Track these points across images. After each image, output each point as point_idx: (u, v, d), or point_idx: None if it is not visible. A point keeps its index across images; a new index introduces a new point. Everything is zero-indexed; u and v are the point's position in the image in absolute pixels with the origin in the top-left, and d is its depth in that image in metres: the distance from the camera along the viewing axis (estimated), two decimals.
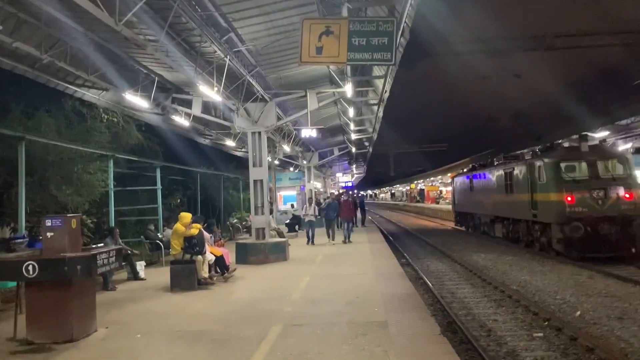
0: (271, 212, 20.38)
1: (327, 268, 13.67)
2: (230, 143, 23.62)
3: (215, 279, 11.82)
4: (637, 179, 16.56)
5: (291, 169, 37.86)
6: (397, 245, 21.56)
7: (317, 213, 19.26)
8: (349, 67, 12.13)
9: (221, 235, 19.68)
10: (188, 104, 15.73)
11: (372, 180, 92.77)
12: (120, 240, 13.78)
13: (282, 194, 34.04)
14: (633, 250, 14.81)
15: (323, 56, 7.93)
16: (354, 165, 47.85)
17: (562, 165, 16.45)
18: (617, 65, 24.65)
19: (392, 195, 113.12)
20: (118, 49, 11.52)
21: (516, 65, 25.08)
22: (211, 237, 13.04)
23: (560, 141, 20.16)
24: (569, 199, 15.60)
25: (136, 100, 14.06)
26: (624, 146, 27.19)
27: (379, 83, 15.05)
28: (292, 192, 34.60)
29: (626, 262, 14.56)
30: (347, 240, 18.82)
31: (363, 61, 7.98)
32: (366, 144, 33.09)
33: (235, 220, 26.57)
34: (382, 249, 17.50)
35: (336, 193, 35.54)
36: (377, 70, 14.17)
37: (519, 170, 19.31)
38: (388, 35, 7.79)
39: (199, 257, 11.18)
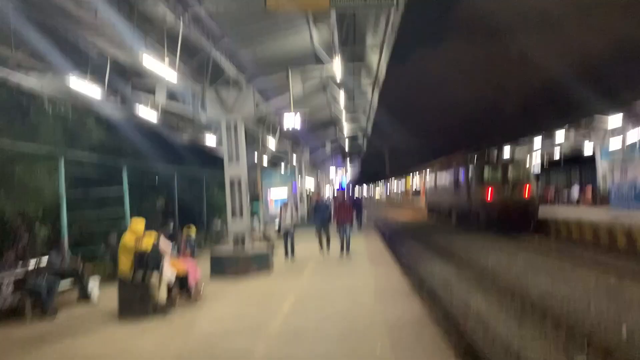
0: (252, 215, 18.09)
1: (317, 281, 11.40)
2: (211, 140, 21.31)
3: (177, 301, 9.55)
4: (533, 179, 25.06)
5: (282, 167, 35.56)
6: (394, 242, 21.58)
7: (297, 219, 15.66)
8: (336, 36, 9.81)
9: (195, 244, 17.37)
10: (153, 92, 13.42)
11: (367, 176, 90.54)
12: (67, 253, 11.51)
13: (272, 197, 31.73)
14: (531, 226, 22.08)
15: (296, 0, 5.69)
16: (348, 161, 45.59)
17: (485, 170, 24.36)
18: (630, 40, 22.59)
19: (388, 194, 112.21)
20: (50, 18, 9.16)
21: (522, 43, 22.96)
22: (174, 247, 10.69)
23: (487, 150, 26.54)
24: (489, 192, 23.30)
25: (84, 86, 11.68)
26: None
27: (374, 60, 12.74)
28: (284, 190, 32.32)
29: (524, 233, 21.55)
30: (344, 252, 14.65)
31: (353, 4, 5.70)
32: (360, 137, 30.82)
33: (219, 224, 24.19)
34: (380, 253, 15.28)
35: (329, 192, 33.16)
36: (372, 39, 11.86)
37: (461, 173, 26.90)
38: None
39: (154, 276, 8.90)
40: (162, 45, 8.65)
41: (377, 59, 11.61)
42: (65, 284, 10.81)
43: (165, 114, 16.60)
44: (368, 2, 5.63)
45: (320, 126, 25.28)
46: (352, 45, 12.40)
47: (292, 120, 12.34)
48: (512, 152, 26.80)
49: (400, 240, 25.01)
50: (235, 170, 13.18)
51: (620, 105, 25.08)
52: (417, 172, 56.09)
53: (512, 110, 26.85)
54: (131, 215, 19.75)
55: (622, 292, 10.73)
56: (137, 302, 8.84)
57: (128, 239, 9.07)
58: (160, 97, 13.28)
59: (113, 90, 13.25)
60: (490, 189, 23.22)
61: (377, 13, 9.97)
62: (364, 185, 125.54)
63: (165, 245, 9.82)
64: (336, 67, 11.50)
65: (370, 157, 47.08)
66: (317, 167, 43.60)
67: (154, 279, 8.90)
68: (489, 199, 23.09)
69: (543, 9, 21.52)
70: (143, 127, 17.69)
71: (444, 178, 31.25)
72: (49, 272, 10.42)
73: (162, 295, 8.99)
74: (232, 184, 13.21)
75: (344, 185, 50.93)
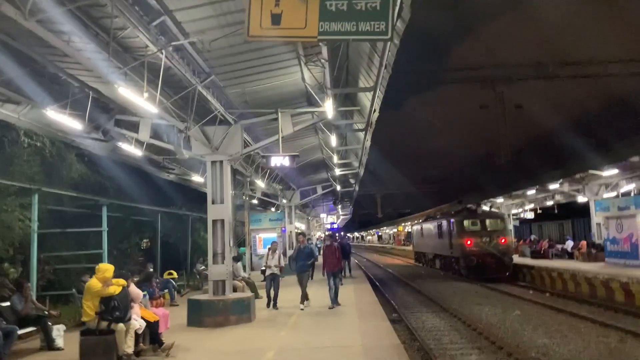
0: (238, 259, 17.25)
1: (300, 335, 10.53)
2: (198, 179, 20.66)
3: (145, 353, 8.71)
4: (509, 231, 28.91)
5: (272, 209, 34.89)
6: (384, 291, 21.32)
7: (282, 263, 14.18)
8: (327, 75, 9.37)
9: (175, 289, 16.53)
10: (137, 128, 12.89)
11: (358, 221, 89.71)
12: (31, 297, 10.66)
13: (261, 236, 30.86)
14: (507, 273, 24.80)
15: (282, 27, 5.21)
16: (340, 206, 44.94)
17: (465, 222, 26.82)
18: (624, 96, 22.58)
19: (379, 237, 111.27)
20: (30, 49, 8.68)
21: (516, 95, 22.83)
22: (145, 294, 9.89)
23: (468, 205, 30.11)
24: (468, 242, 25.61)
25: (64, 119, 11.12)
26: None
27: (367, 100, 12.33)
28: (273, 235, 31.47)
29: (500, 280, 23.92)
30: (333, 304, 13.47)
31: (343, 35, 5.22)
32: (352, 181, 30.29)
33: (202, 267, 23.25)
34: (370, 305, 14.43)
35: (321, 234, 32.34)
36: (365, 81, 11.48)
37: (445, 223, 29.54)
38: None
39: (120, 325, 8.10)
40: (143, 78, 8.12)
41: (370, 102, 11.18)
42: (26, 331, 9.98)
43: (150, 151, 16.04)
44: (360, 31, 5.15)
45: (311, 168, 24.81)
46: (344, 86, 12.02)
47: (280, 161, 11.77)
48: (491, 206, 31.70)
49: (390, 288, 24.24)
50: (218, 212, 12.53)
51: (614, 160, 24.86)
52: (409, 219, 56.14)
53: (506, 161, 26.55)
54: (110, 256, 18.93)
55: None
56: (100, 353, 8.02)
57: (94, 283, 8.30)
58: (144, 134, 12.73)
59: (95, 125, 12.71)
60: (469, 239, 25.90)
61: (370, 56, 9.62)
62: (355, 231, 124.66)
63: (136, 291, 9.06)
64: (328, 108, 11.06)
65: (361, 202, 46.55)
66: (307, 211, 42.94)
67: (120, 328, 8.10)
68: (468, 248, 25.74)
69: (537, 61, 21.41)
70: (127, 164, 17.10)
71: (430, 227, 34.04)
72: (9, 318, 9.60)
73: (128, 346, 8.17)
74: (214, 226, 12.52)
75: (335, 228, 50.14)
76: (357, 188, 30.82)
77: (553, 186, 30.75)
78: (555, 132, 23.78)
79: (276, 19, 5.19)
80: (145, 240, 23.84)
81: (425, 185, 37.79)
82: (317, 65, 10.38)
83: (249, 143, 13.66)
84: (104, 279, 8.24)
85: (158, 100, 8.40)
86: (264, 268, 14.83)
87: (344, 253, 21.58)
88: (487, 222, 26.71)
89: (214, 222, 12.52)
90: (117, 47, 7.80)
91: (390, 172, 28.57)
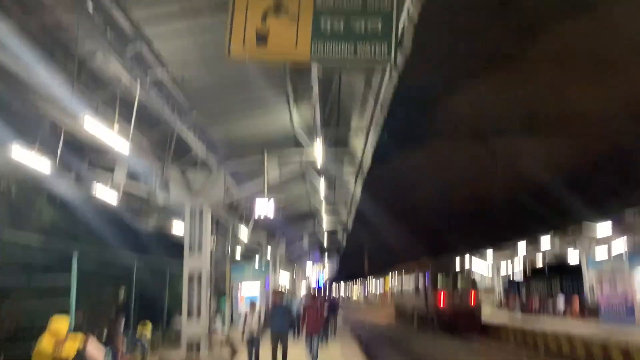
0: (217, 313, 16.05)
1: None
2: (179, 228, 19.61)
3: None
4: (477, 284, 29.07)
5: (256, 262, 33.60)
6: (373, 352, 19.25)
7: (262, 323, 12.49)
8: (317, 113, 8.69)
9: (147, 344, 15.16)
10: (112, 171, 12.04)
11: (345, 274, 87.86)
12: None
13: (243, 294, 29.40)
14: (477, 329, 24.89)
15: (268, 48, 4.51)
16: (326, 255, 43.73)
17: (438, 281, 27.71)
18: (616, 150, 22.37)
19: (365, 296, 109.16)
20: None
21: (508, 148, 22.51)
22: (107, 354, 8.71)
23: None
24: (440, 299, 26.63)
25: (31, 158, 10.23)
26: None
27: (358, 143, 11.64)
28: (256, 287, 30.06)
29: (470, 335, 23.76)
30: None
31: (339, 57, 4.53)
32: (339, 231, 29.37)
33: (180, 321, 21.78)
34: None
35: (304, 289, 31.10)
36: (358, 122, 10.82)
37: (420, 280, 30.61)
38: (383, 15, 4.47)
39: None
40: (115, 111, 7.36)
41: (362, 145, 10.49)
42: None
43: (127, 196, 15.11)
44: (358, 54, 4.47)
45: (298, 218, 23.88)
46: (335, 128, 11.34)
47: (265, 208, 10.91)
48: (462, 263, 34.49)
49: (379, 348, 22.89)
50: (196, 262, 11.56)
51: (606, 214, 24.43)
52: (395, 274, 54.89)
53: (497, 213, 25.93)
54: (77, 308, 17.57)
55: None
56: None
57: (45, 342, 7.15)
58: (120, 176, 11.87)
59: (67, 166, 11.82)
60: (442, 295, 27.15)
61: (364, 94, 9.01)
62: (342, 283, 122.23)
63: (96, 350, 7.90)
64: (317, 151, 10.34)
65: (349, 254, 45.47)
66: (293, 261, 41.63)
67: None
68: (441, 305, 26.93)
69: (528, 115, 21.06)
70: (101, 209, 16.05)
71: (408, 284, 35.37)
72: None
73: None
74: (191, 278, 11.51)
75: (321, 284, 48.57)
76: (344, 239, 29.84)
77: (544, 240, 30.16)
78: (547, 184, 23.39)
79: (262, 38, 4.50)
80: (123, 292, 22.40)
81: (414, 237, 36.97)
82: (306, 104, 9.73)
83: (232, 188, 12.81)
84: (57, 333, 7.13)
85: (131, 136, 7.59)
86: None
87: (332, 309, 20.33)
88: (458, 279, 28.51)
89: (191, 274, 11.53)
90: (85, 76, 7.04)
91: (380, 222, 27.75)
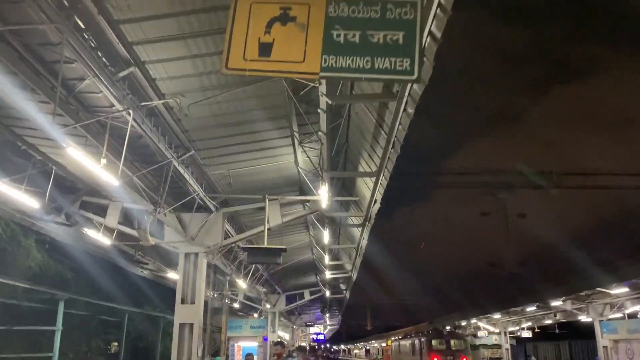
0: None
1: None
2: (174, 276, 18.74)
3: None
4: (469, 349, 32.62)
5: (255, 315, 32.29)
6: None
7: None
8: (324, 154, 8.09)
9: None
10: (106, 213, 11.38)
11: (346, 333, 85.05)
12: None
13: (241, 345, 27.99)
14: None
15: (272, 60, 3.95)
16: (328, 315, 42.17)
17: (433, 341, 30.72)
18: (633, 210, 21.59)
19: (367, 352, 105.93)
20: None
21: (519, 204, 21.72)
22: None
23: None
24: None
25: (19, 196, 9.62)
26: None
27: (366, 190, 10.98)
28: (254, 344, 28.66)
29: None
30: None
31: (353, 72, 3.95)
32: (343, 286, 28.20)
33: None
34: None
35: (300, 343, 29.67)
36: (366, 166, 10.17)
37: (417, 342, 33.63)
38: (406, 26, 3.93)
39: None
40: (105, 142, 6.77)
41: (371, 191, 9.84)
42: None
43: (120, 240, 14.40)
44: (376, 70, 3.91)
45: (299, 270, 22.93)
46: (342, 170, 10.72)
47: (265, 256, 10.14)
48: (455, 327, 37.54)
49: None
50: (188, 313, 10.70)
51: (621, 279, 23.38)
52: (397, 333, 53.80)
53: (507, 274, 24.92)
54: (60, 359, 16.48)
55: None
56: None
57: None
58: (112, 219, 11.19)
59: (57, 207, 11.18)
60: (436, 357, 29.79)
61: (374, 135, 8.43)
62: (342, 343, 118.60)
63: None
64: (322, 196, 9.67)
65: (351, 311, 44.02)
66: (293, 318, 40.15)
67: None
68: None
69: (540, 170, 20.34)
70: (94, 255, 15.30)
71: (405, 345, 38.53)
72: None
73: None
74: (181, 330, 10.61)
75: (322, 338, 46.70)
76: (348, 295, 28.63)
77: (555, 304, 28.90)
78: (560, 244, 22.45)
79: (266, 49, 3.95)
80: (114, 344, 21.23)
81: (418, 296, 35.66)
82: (311, 146, 9.19)
83: (231, 234, 12.09)
84: None
85: (121, 172, 6.99)
86: None
87: None
88: (452, 342, 31.31)
89: (182, 325, 10.64)
90: (73, 101, 6.50)
91: (385, 279, 26.66)
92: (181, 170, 8.70)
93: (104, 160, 6.39)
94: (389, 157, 7.75)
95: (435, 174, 19.15)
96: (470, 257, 24.89)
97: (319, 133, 7.53)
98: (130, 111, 6.40)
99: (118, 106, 6.32)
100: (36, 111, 5.76)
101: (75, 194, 11.36)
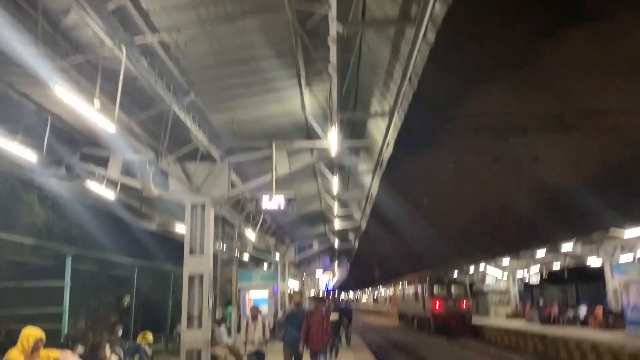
0: (221, 322, 14.96)
1: None
2: (182, 229, 18.54)
3: None
4: (469, 294, 33.53)
5: (265, 266, 32.45)
6: None
7: (268, 335, 10.35)
8: (333, 93, 7.55)
9: (145, 355, 14.05)
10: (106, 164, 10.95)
11: (355, 281, 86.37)
12: None
13: (251, 297, 28.21)
14: (467, 331, 28.95)
15: None
16: (336, 263, 42.44)
17: (434, 288, 32.25)
18: None
19: (375, 300, 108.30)
20: None
21: (532, 147, 21.10)
22: None
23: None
24: (436, 305, 30.86)
25: (14, 148, 9.18)
26: None
27: (378, 133, 10.45)
28: (265, 294, 28.90)
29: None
30: None
31: None
32: (351, 236, 28.10)
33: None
34: None
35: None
36: (379, 106, 9.61)
37: (420, 288, 34.94)
38: None
39: None
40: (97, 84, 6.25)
41: (383, 134, 9.31)
42: None
43: (125, 194, 14.05)
44: None
45: (308, 221, 22.70)
46: (352, 111, 10.15)
47: (273, 203, 9.75)
48: (456, 274, 39.42)
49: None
50: (197, 264, 10.43)
51: (635, 219, 22.94)
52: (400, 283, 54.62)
53: (519, 219, 24.62)
54: (75, 315, 16.48)
55: None
56: None
57: (14, 357, 6.09)
58: (114, 171, 10.78)
59: (56, 159, 10.75)
60: (437, 301, 31.34)
61: (388, 70, 7.84)
62: (350, 291, 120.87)
63: None
64: (332, 141, 9.17)
65: (360, 260, 44.31)
66: (302, 268, 40.46)
67: None
68: (436, 310, 31.06)
69: (554, 111, 19.64)
70: (99, 210, 15.00)
71: (409, 291, 40.12)
72: None
73: None
74: (191, 282, 10.37)
75: (330, 287, 47.34)
76: (356, 244, 28.58)
77: (565, 247, 28.77)
78: (572, 187, 21.96)
79: None
80: (126, 299, 21.29)
81: (427, 244, 35.64)
82: (319, 85, 8.60)
83: (237, 184, 11.68)
84: (28, 349, 6.05)
85: (118, 118, 6.49)
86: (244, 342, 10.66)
87: (344, 320, 18.58)
88: (452, 287, 32.79)
89: (191, 277, 10.40)
90: (61, 40, 5.93)
91: (394, 226, 26.45)
92: (182, 116, 8.17)
93: (97, 102, 5.90)
94: (404, 95, 7.20)
95: (447, 119, 18.54)
96: (482, 203, 24.54)
97: (329, 66, 6.94)
98: (123, 48, 5.84)
99: (109, 43, 5.75)
100: (20, 45, 5.20)
101: (74, 146, 10.91)
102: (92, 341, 8.24)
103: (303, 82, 8.55)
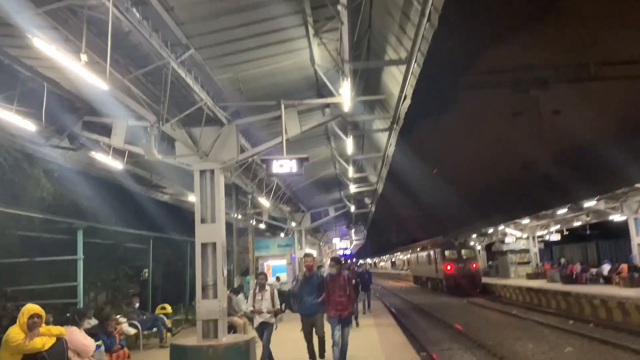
0: (238, 292, 14.70)
1: None
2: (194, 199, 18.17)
3: None
4: (478, 257, 37.20)
5: (282, 235, 32.25)
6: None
7: (277, 304, 9.51)
8: (345, 41, 6.88)
9: (163, 327, 13.91)
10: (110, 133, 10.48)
11: (371, 247, 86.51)
12: None
13: (270, 263, 28.08)
14: (477, 290, 32.84)
15: None
16: (353, 230, 42.13)
17: (446, 252, 35.77)
18: None
19: (393, 264, 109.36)
20: None
21: (552, 102, 20.22)
22: (100, 345, 7.21)
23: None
24: (448, 267, 34.47)
25: (11, 117, 8.73)
26: None
27: (394, 85, 9.77)
28: (282, 262, 28.78)
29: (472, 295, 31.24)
30: None
31: None
32: (367, 200, 27.60)
33: None
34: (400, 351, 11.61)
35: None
36: (393, 52, 8.87)
37: (432, 253, 38.85)
38: None
39: None
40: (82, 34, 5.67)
41: (400, 85, 8.62)
42: None
43: (134, 165, 13.64)
44: None
45: (322, 186, 22.21)
46: (365, 60, 9.44)
47: (285, 167, 9.21)
48: (468, 238, 41.34)
49: (416, 321, 21.48)
50: (209, 233, 10.00)
51: None
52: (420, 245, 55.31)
53: (537, 178, 23.81)
54: (92, 289, 16.34)
55: None
56: None
57: (14, 333, 5.74)
58: (118, 139, 10.30)
59: (57, 128, 10.30)
60: (449, 264, 34.56)
61: (403, 11, 7.14)
62: (368, 257, 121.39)
63: (81, 342, 6.47)
64: (344, 95, 8.54)
65: (377, 225, 44.08)
66: (319, 236, 40.26)
67: None
68: (448, 272, 34.30)
69: (576, 62, 18.69)
70: (107, 181, 14.65)
71: (423, 256, 43.76)
72: None
73: None
74: (204, 251, 9.97)
75: (347, 255, 47.12)
76: (373, 209, 28.09)
77: (587, 204, 27.99)
78: (595, 141, 21.11)
79: None
80: (144, 271, 21.20)
81: (446, 207, 35.45)
82: (329, 34, 7.93)
83: (246, 149, 11.15)
84: (24, 325, 5.69)
85: (110, 74, 5.94)
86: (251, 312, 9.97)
87: (363, 285, 17.95)
88: (462, 252, 35.71)
89: (204, 246, 9.98)
90: None
91: (412, 189, 25.91)
92: (182, 74, 7.59)
93: (84, 57, 5.36)
94: (423, 36, 6.53)
95: (466, 71, 17.72)
96: (502, 162, 23.82)
97: (338, 7, 6.27)
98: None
99: None
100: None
101: (75, 114, 10.43)
102: (102, 315, 7.89)
103: (311, 30, 7.86)
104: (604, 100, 20.16)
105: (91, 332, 6.97)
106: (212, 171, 10.00)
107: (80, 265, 13.34)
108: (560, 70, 19.61)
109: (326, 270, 10.77)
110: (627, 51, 18.51)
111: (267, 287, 9.69)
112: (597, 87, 20.11)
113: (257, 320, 9.58)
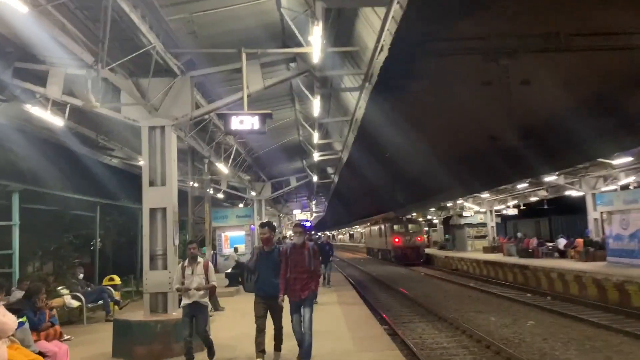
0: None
1: None
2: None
3: None
4: (423, 231, 42.47)
5: (241, 205, 31.25)
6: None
7: (214, 280, 7.61)
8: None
9: (109, 300, 12.90)
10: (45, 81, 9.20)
11: (332, 220, 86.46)
12: None
13: (228, 234, 27.07)
14: (421, 260, 38.03)
15: None
16: (314, 202, 41.54)
17: (394, 227, 40.10)
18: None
19: (351, 236, 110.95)
20: None
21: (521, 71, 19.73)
22: (23, 322, 6.14)
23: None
24: (396, 240, 38.93)
25: None
26: None
27: (369, 38, 8.85)
28: (241, 233, 27.82)
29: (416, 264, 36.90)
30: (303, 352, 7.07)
31: None
32: (331, 170, 26.86)
33: None
34: (366, 325, 11.04)
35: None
36: None
37: (383, 227, 43.43)
38: None
39: None
40: None
41: (377, 33, 7.69)
42: None
43: (78, 122, 12.35)
44: None
45: (285, 154, 21.26)
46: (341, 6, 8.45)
47: (245, 123, 8.22)
48: (411, 214, 45.73)
49: (376, 293, 21.13)
50: (159, 197, 9.00)
51: (625, 148, 22.07)
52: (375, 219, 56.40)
53: (502, 152, 23.56)
54: (32, 257, 15.03)
55: None
56: None
57: None
58: (55, 88, 9.06)
59: None
60: (397, 237, 38.86)
61: None
62: (327, 231, 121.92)
63: (4, 320, 5.45)
64: (314, 43, 7.59)
65: (338, 198, 43.66)
66: (279, 207, 39.44)
67: None
68: (396, 244, 38.64)
69: (547, 31, 18.15)
70: (49, 141, 13.27)
71: (375, 229, 48.35)
72: None
73: None
74: (152, 218, 8.98)
75: (308, 226, 46.58)
76: (336, 179, 27.35)
77: (547, 179, 28.18)
78: (563, 113, 20.84)
79: None
80: (97, 240, 19.86)
81: (404, 180, 34.79)
82: None
83: (202, 106, 10.09)
84: None
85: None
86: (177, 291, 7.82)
87: (324, 257, 15.90)
88: (409, 226, 39.89)
89: (152, 211, 9.00)
90: None
91: (375, 161, 25.25)
92: (126, 9, 6.46)
93: None
94: None
95: (436, 40, 16.98)
96: (470, 133, 23.36)
97: None
98: None
99: None
100: None
101: (4, 59, 9.10)
102: (29, 289, 6.83)
103: None
104: (571, 72, 19.80)
105: (15, 308, 5.96)
106: (163, 128, 8.95)
107: (16, 232, 12.09)
108: (531, 39, 19.01)
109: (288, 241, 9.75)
110: (598, 22, 18.01)
111: (200, 260, 7.70)
112: (567, 58, 19.69)
113: (185, 300, 7.50)
